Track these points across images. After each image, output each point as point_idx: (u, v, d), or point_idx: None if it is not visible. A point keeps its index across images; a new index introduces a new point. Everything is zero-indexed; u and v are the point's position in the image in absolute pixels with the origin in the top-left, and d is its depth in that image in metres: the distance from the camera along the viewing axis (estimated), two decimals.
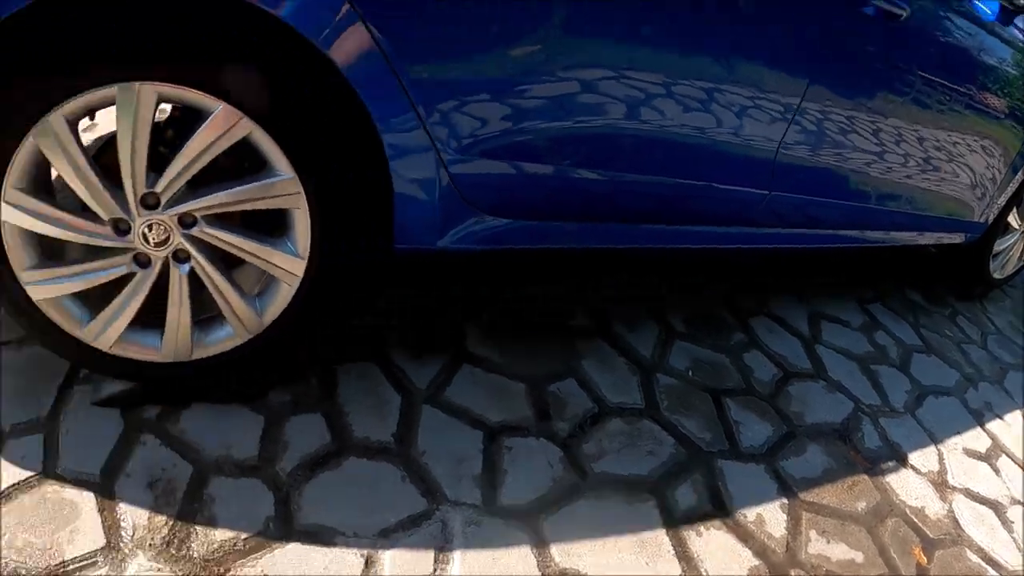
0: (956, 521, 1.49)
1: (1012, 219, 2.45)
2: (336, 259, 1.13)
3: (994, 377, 2.17)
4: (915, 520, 1.44)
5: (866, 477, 1.47)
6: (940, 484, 1.57)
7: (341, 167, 1.06)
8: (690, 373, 1.57)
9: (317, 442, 1.29)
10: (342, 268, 1.16)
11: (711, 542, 1.24)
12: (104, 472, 1.21)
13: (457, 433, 1.34)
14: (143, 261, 1.11)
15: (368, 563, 1.12)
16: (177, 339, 1.17)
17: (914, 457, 1.61)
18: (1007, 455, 1.82)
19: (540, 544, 1.17)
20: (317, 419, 1.34)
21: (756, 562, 1.23)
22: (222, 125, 0.98)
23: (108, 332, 1.16)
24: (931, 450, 1.67)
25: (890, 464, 1.55)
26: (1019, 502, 1.66)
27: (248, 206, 1.07)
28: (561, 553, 1.17)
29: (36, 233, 1.04)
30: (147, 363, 1.21)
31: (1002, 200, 2.19)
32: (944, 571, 1.37)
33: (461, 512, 1.20)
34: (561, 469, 1.29)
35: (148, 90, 0.93)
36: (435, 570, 1.12)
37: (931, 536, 1.43)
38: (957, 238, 2.18)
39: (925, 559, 1.37)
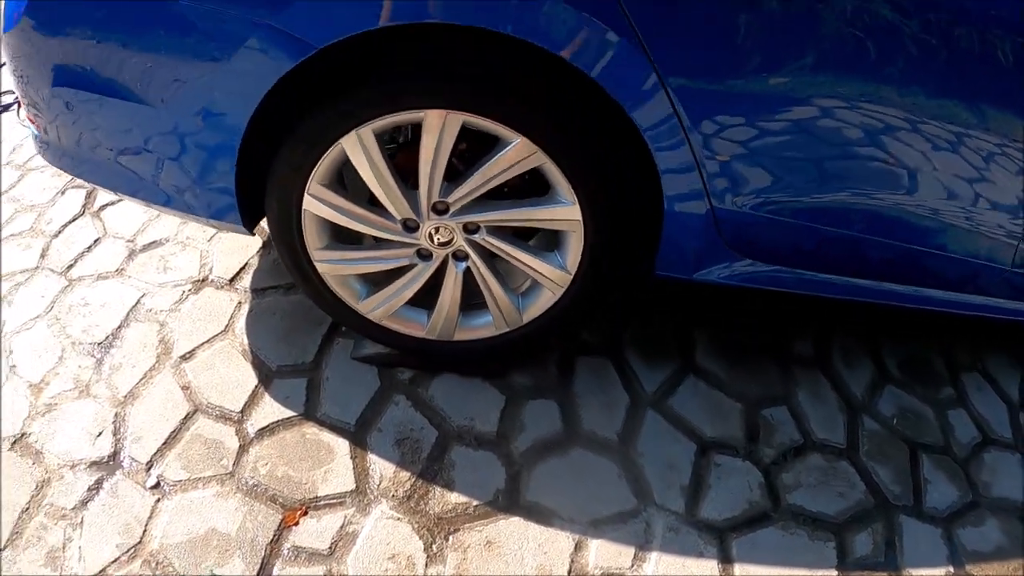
0: None
1: None
2: (600, 277, 1.34)
3: None
4: None
5: None
6: None
7: (620, 203, 1.24)
8: (895, 421, 1.67)
9: (549, 428, 1.52)
10: (603, 284, 1.37)
11: None
12: (359, 423, 1.52)
13: (673, 441, 1.54)
14: (424, 255, 1.36)
15: (577, 547, 1.36)
16: (443, 320, 1.43)
17: None
18: None
19: (725, 561, 1.37)
20: (552, 406, 1.56)
21: None
22: (518, 155, 1.17)
23: (382, 308, 1.43)
24: None
25: None
26: None
27: (529, 224, 1.28)
28: (741, 573, 1.35)
29: (329, 220, 1.31)
30: (409, 336, 1.49)
31: None
32: None
33: (664, 517, 1.41)
34: (758, 494, 1.47)
35: (455, 118, 1.14)
36: (632, 565, 1.34)
37: None
38: None
39: None
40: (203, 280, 1.79)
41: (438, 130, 1.14)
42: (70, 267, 1.84)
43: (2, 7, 1.23)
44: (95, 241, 1.90)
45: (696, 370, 1.68)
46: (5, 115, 2.40)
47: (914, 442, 1.64)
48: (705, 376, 1.67)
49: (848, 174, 1.24)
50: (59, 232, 1.94)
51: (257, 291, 1.76)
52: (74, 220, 1.97)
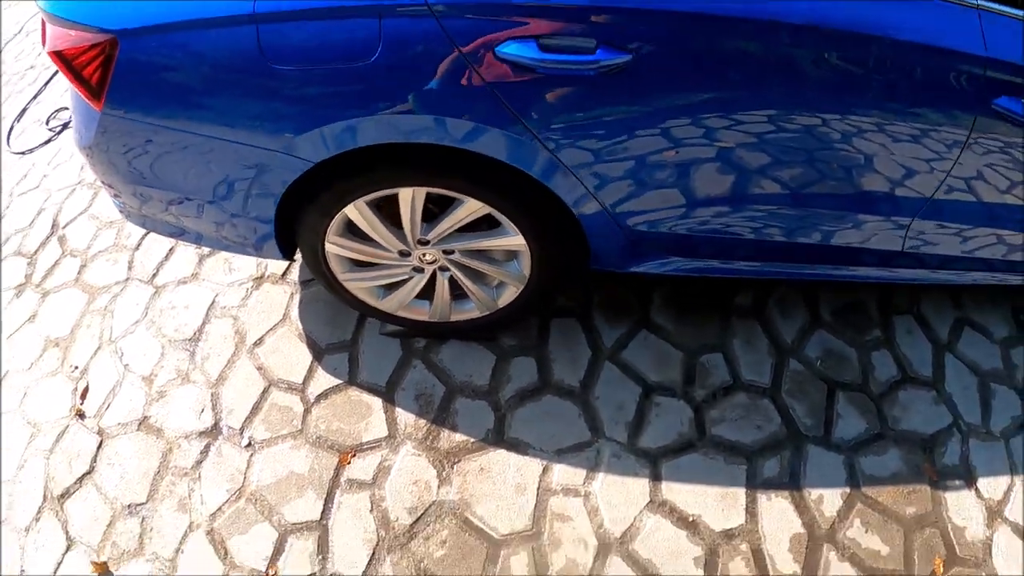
0: (989, 549, 2.49)
1: None
2: (550, 274, 2.46)
3: None
4: (951, 536, 2.49)
5: (928, 488, 2.54)
6: (994, 512, 2.54)
7: (550, 228, 2.34)
8: (818, 363, 2.77)
9: (528, 379, 2.70)
10: (554, 278, 2.52)
11: (775, 506, 2.49)
12: (388, 385, 2.76)
13: (623, 386, 2.69)
14: (418, 270, 2.55)
15: (544, 471, 2.57)
16: (439, 309, 2.64)
17: (983, 482, 2.60)
18: None
19: (655, 479, 2.53)
20: (531, 362, 2.75)
21: (801, 531, 2.45)
22: (470, 208, 2.26)
23: (396, 304, 2.66)
24: (1004, 480, 2.62)
25: (957, 483, 2.58)
26: None
27: (489, 248, 2.45)
28: (667, 489, 2.52)
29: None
30: (418, 320, 2.72)
31: None
32: None
33: (611, 446, 2.59)
34: (688, 427, 2.63)
35: (421, 191, 2.24)
36: (584, 482, 2.54)
37: (958, 553, 2.47)
38: None
39: (942, 570, 2.43)
40: (261, 277, 3.05)
41: (411, 200, 2.28)
42: (154, 276, 3.13)
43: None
44: (170, 250, 3.19)
45: (648, 324, 2.82)
46: (66, 132, 3.71)
47: (833, 381, 2.74)
48: (656, 329, 2.81)
49: (725, 196, 2.32)
50: (138, 245, 3.23)
51: (304, 283, 3.01)
52: (148, 233, 3.26)
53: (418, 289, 2.59)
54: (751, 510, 2.50)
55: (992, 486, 2.62)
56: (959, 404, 2.76)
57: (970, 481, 2.62)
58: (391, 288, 2.64)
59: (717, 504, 2.50)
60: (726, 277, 2.59)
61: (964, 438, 2.69)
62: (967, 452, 2.67)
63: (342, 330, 2.87)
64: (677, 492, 2.52)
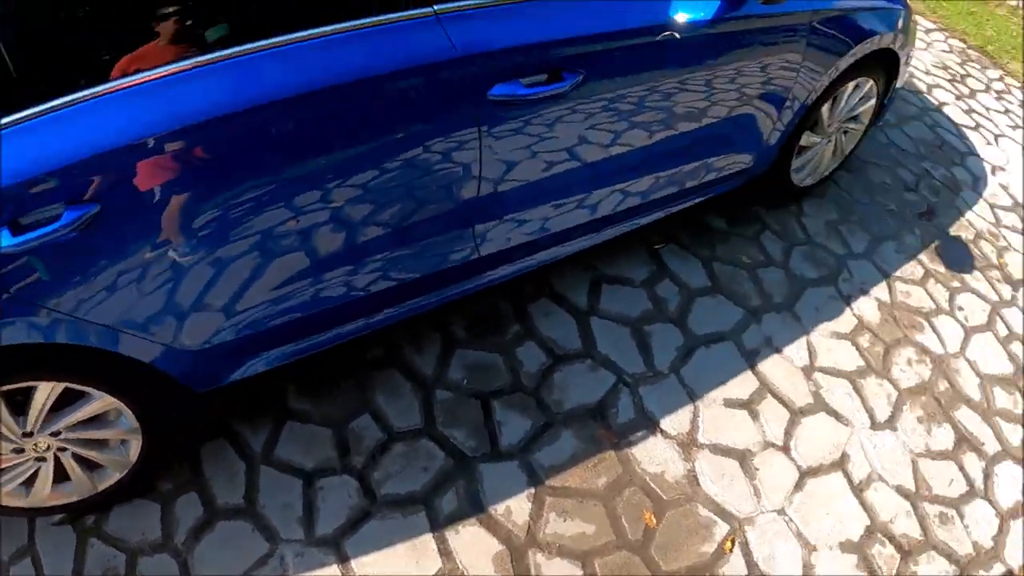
0: (695, 479, 2.92)
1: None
2: (160, 416, 2.79)
3: (786, 303, 3.37)
4: (652, 485, 2.90)
5: (612, 453, 2.94)
6: (687, 444, 2.98)
7: (128, 378, 2.66)
8: (465, 382, 3.12)
9: (195, 514, 2.98)
10: (169, 417, 2.84)
11: (466, 537, 2.85)
12: (74, 574, 3.04)
13: (285, 484, 3.00)
14: (41, 459, 2.85)
15: None
16: (81, 486, 2.93)
17: (666, 421, 3.02)
18: (773, 395, 3.12)
19: (343, 561, 2.86)
20: (193, 497, 3.03)
21: (500, 548, 2.83)
22: (44, 390, 2.56)
23: (39, 497, 2.94)
24: (686, 410, 3.06)
25: (639, 434, 2.98)
26: (772, 445, 2.98)
27: (90, 415, 2.75)
28: (357, 565, 2.85)
29: None
30: (72, 503, 3.01)
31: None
32: (671, 529, 2.83)
33: (291, 547, 2.91)
34: (357, 498, 2.97)
35: None
36: None
37: (665, 498, 2.89)
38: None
39: (654, 521, 2.83)
40: None
41: None
42: None
43: None
44: None
45: (290, 414, 3.14)
46: None
47: (485, 393, 3.12)
48: (298, 416, 3.13)
49: (263, 289, 2.67)
50: None
51: None
52: None
53: (50, 474, 2.87)
54: (444, 550, 2.86)
55: (676, 421, 3.07)
56: (617, 360, 3.19)
57: (652, 427, 3.05)
58: (30, 484, 2.91)
59: (409, 558, 2.86)
60: (332, 346, 2.92)
61: (632, 390, 3.11)
62: (640, 401, 3.09)
63: (18, 536, 3.12)
64: (367, 564, 2.86)
